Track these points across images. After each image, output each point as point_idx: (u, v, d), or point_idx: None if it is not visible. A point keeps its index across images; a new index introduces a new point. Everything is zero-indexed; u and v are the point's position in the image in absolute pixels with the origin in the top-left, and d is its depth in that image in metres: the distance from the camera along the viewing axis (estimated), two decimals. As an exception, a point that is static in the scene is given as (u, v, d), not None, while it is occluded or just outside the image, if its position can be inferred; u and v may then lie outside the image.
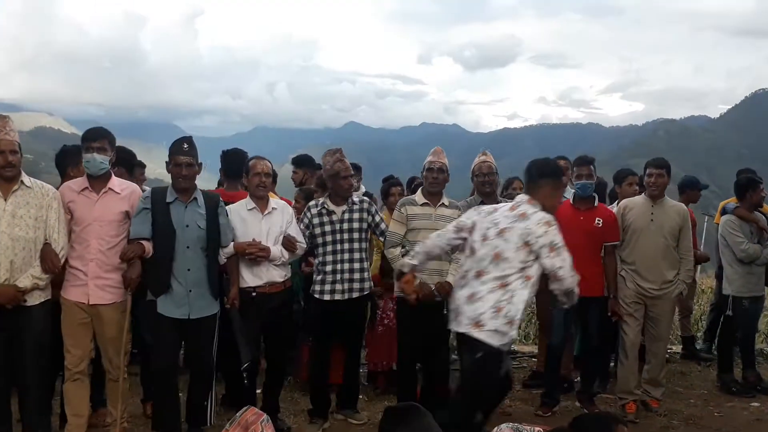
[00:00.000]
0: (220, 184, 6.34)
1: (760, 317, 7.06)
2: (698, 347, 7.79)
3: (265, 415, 4.34)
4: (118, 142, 5.60)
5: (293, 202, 6.12)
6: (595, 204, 5.74)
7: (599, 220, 5.65)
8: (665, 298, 5.70)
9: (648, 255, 5.64)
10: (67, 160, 5.08)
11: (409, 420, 3.01)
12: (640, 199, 5.85)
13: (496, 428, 3.92)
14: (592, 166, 5.73)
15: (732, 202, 7.03)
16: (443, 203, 5.35)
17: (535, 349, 7.47)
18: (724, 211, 6.55)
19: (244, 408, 4.44)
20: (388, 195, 6.48)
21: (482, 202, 5.43)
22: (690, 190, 7.47)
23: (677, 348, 7.92)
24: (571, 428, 2.71)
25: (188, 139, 4.74)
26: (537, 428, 3.88)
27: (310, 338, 5.72)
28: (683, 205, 6.00)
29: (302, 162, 7.15)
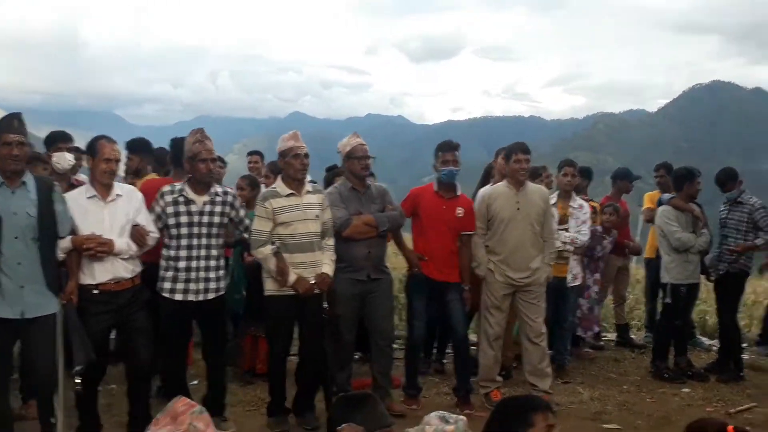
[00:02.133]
0: (165, 173, 6.30)
1: (693, 306, 7.26)
2: (644, 336, 7.99)
3: (197, 406, 4.24)
4: (56, 130, 5.68)
5: (236, 189, 5.88)
6: (457, 193, 5.62)
7: (461, 210, 5.56)
8: (534, 284, 5.66)
9: (515, 244, 5.58)
10: None
11: (362, 407, 3.02)
12: (502, 188, 5.71)
13: (425, 417, 3.97)
14: (457, 152, 5.58)
15: (657, 194, 7.39)
16: (308, 189, 5.01)
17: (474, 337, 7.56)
18: (659, 203, 6.74)
19: (175, 398, 4.35)
20: (332, 184, 6.42)
21: (352, 188, 5.33)
22: (621, 180, 7.72)
23: (612, 336, 8.12)
24: (493, 414, 2.69)
25: (18, 116, 4.17)
26: (461, 416, 3.92)
27: (251, 328, 5.66)
28: (543, 187, 6.02)
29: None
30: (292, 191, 4.94)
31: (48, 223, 4.19)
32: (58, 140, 5.42)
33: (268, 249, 4.85)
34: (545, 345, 5.83)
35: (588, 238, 6.47)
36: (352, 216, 5.23)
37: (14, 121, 4.13)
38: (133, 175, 5.84)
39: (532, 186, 5.78)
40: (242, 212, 5.03)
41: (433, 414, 3.92)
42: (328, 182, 6.43)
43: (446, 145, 5.61)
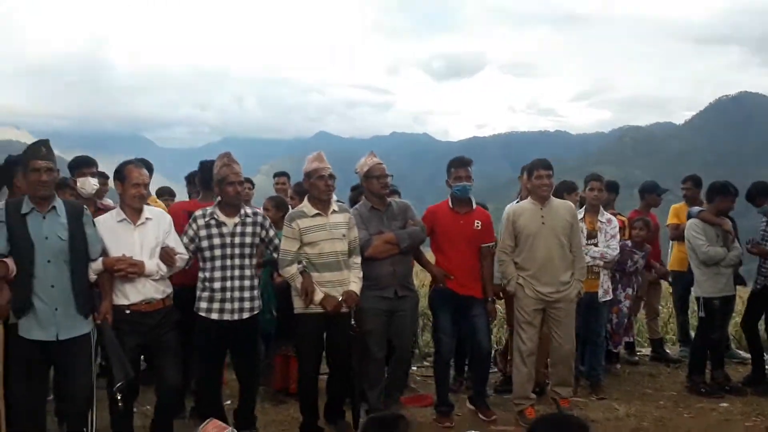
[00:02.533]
0: (190, 195, 6.36)
1: (729, 318, 7.15)
2: (679, 350, 7.88)
3: (229, 428, 4.26)
4: (88, 155, 5.75)
5: (263, 211, 5.95)
6: (473, 206, 5.69)
7: (478, 223, 5.62)
8: (564, 300, 5.62)
9: (543, 258, 5.57)
10: (15, 171, 4.88)
11: (394, 429, 3.00)
12: (528, 204, 5.73)
13: None
14: (469, 168, 5.64)
15: (683, 206, 7.38)
16: (334, 209, 5.10)
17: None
18: (689, 215, 6.66)
19: (206, 421, 4.37)
20: (357, 203, 6.44)
21: (372, 208, 5.40)
22: (650, 194, 7.63)
23: (646, 350, 8.00)
24: None
25: (45, 142, 4.29)
26: None
27: (281, 347, 5.71)
28: (570, 202, 5.97)
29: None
30: (318, 211, 5.03)
31: (79, 245, 4.28)
32: (81, 165, 5.48)
33: (294, 268, 4.95)
34: (572, 360, 5.83)
35: (617, 253, 6.39)
36: (372, 236, 5.28)
37: (42, 148, 4.23)
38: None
39: (557, 201, 5.77)
40: (272, 232, 5.11)
41: None
42: (353, 201, 6.48)
43: (459, 161, 5.67)
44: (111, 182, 5.53)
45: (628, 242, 6.91)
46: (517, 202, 6.35)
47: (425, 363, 7.49)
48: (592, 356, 6.52)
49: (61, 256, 4.20)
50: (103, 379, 4.56)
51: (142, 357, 4.92)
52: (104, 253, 4.47)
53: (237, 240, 4.89)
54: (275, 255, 5.12)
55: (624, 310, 6.97)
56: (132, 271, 4.45)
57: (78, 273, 4.27)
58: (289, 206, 6.25)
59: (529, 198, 5.78)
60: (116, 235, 4.54)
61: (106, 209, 5.28)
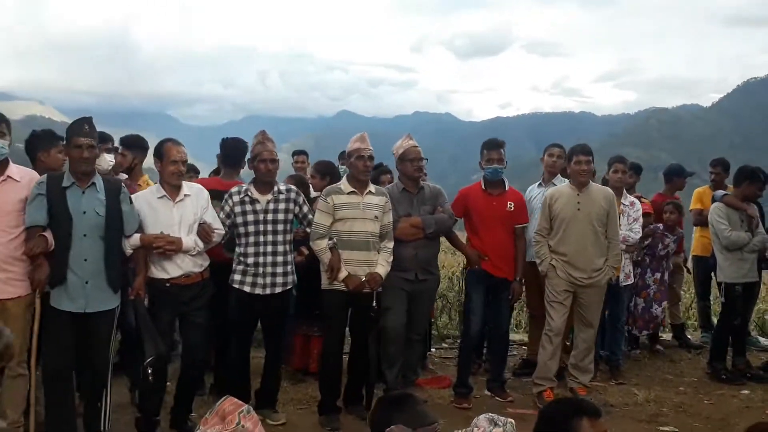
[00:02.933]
0: (215, 173, 6.38)
1: (753, 305, 7.08)
2: (700, 336, 7.82)
3: (245, 406, 4.28)
4: (110, 131, 5.75)
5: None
6: (506, 188, 5.71)
7: (511, 204, 5.65)
8: (595, 286, 5.66)
9: (577, 243, 5.59)
10: (38, 146, 4.98)
11: (404, 407, 3.00)
12: (566, 188, 5.77)
13: (474, 419, 3.93)
14: (502, 150, 5.68)
15: (706, 190, 7.36)
16: (370, 190, 5.16)
17: (525, 337, 7.49)
18: (713, 199, 6.57)
19: (223, 398, 4.40)
20: (378, 183, 6.39)
21: (404, 190, 5.46)
22: (676, 177, 7.54)
23: (667, 336, 7.94)
24: (540, 416, 2.67)
25: (88, 120, 4.39)
26: (510, 419, 3.90)
27: (302, 326, 5.81)
28: (609, 189, 5.92)
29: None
30: (354, 189, 5.11)
31: (115, 222, 4.40)
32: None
33: (324, 243, 5.03)
34: (593, 343, 5.83)
35: (640, 236, 6.33)
36: (400, 217, 5.32)
37: (84, 125, 4.33)
38: (126, 172, 5.77)
39: (595, 187, 5.77)
40: (306, 208, 5.20)
41: (482, 416, 3.88)
42: (373, 180, 6.42)
43: (492, 143, 5.72)
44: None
45: (660, 225, 6.85)
46: (539, 184, 6.31)
47: (443, 345, 7.50)
48: (612, 341, 6.49)
49: (97, 231, 4.32)
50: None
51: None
52: (141, 229, 4.61)
53: (270, 217, 4.98)
54: (308, 230, 5.20)
55: (651, 295, 6.92)
56: (170, 249, 4.59)
57: (111, 248, 4.39)
58: (309, 185, 6.26)
59: (568, 182, 5.82)
60: (155, 211, 4.67)
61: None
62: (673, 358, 7.14)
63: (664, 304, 7.11)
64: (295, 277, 5.19)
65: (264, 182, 5.03)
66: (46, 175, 4.41)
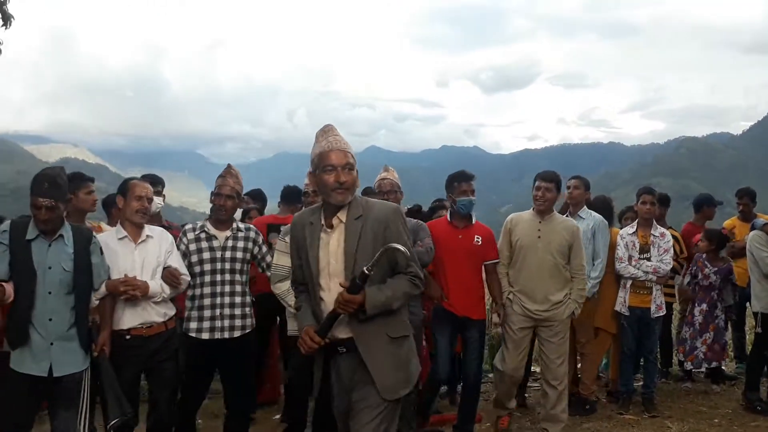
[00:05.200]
0: (244, 213, 6.58)
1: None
2: (735, 367, 7.68)
3: None
4: (142, 171, 5.89)
5: None
6: (473, 221, 5.44)
7: (478, 238, 5.36)
8: (554, 320, 5.38)
9: (534, 274, 5.37)
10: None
11: None
12: (527, 215, 5.56)
13: None
14: (472, 182, 5.41)
15: (734, 221, 7.30)
16: None
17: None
18: (753, 227, 6.49)
19: None
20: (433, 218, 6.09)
21: None
22: (706, 206, 7.49)
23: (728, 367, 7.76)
24: None
25: (50, 178, 3.95)
26: None
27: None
28: (573, 221, 5.73)
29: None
30: None
31: (84, 277, 4.06)
32: None
33: (286, 285, 4.69)
34: (563, 389, 5.50)
35: (670, 267, 6.27)
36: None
37: (44, 183, 3.95)
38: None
39: (559, 218, 5.57)
40: (264, 248, 4.95)
41: None
42: (429, 216, 6.33)
43: (463, 176, 5.44)
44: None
45: (702, 255, 6.78)
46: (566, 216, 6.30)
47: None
48: (645, 373, 6.40)
49: (64, 288, 3.97)
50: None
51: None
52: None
53: (228, 254, 4.70)
54: (268, 272, 4.91)
55: (696, 326, 6.77)
56: (134, 293, 4.23)
57: (80, 306, 4.04)
58: None
59: (531, 209, 5.60)
60: (116, 253, 4.33)
61: (171, 227, 5.36)
62: (707, 389, 7.02)
63: (720, 337, 6.83)
64: (254, 321, 4.85)
65: (217, 218, 4.78)
66: (9, 222, 4.07)
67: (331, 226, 3.31)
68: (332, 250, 3.28)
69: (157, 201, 5.46)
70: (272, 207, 6.94)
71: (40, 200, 3.90)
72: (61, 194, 4.00)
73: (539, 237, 5.39)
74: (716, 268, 6.72)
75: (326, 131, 3.36)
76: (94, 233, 4.26)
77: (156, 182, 5.59)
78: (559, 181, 5.47)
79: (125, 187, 4.44)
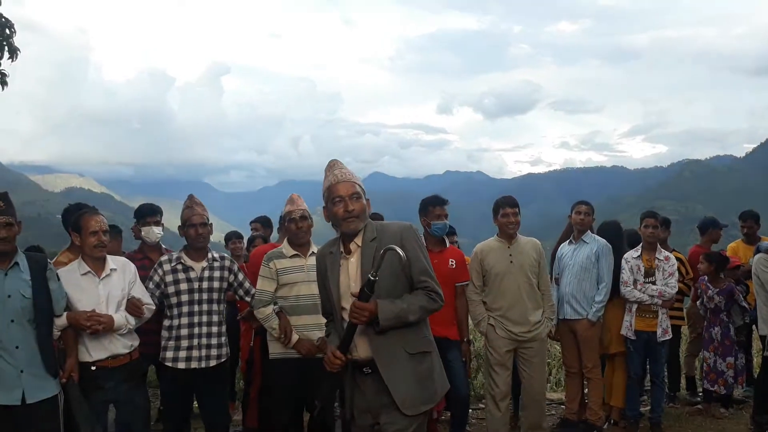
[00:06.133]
0: (249, 241, 6.65)
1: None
2: (743, 390, 7.62)
3: None
4: (147, 200, 5.94)
5: None
6: (447, 245, 5.63)
7: (453, 261, 5.54)
8: (536, 339, 5.55)
9: (513, 297, 5.51)
10: (68, 219, 4.91)
11: None
12: (494, 242, 5.71)
13: None
14: (445, 207, 5.57)
15: (739, 244, 7.30)
16: (313, 251, 4.89)
17: (563, 396, 7.39)
18: (758, 250, 6.47)
19: None
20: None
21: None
22: (712, 229, 7.48)
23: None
24: None
25: (3, 196, 4.00)
26: None
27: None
28: (535, 240, 5.83)
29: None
30: (296, 252, 4.93)
31: (44, 303, 4.04)
32: (146, 215, 5.61)
33: (269, 309, 4.85)
34: (543, 404, 5.69)
35: (675, 291, 6.25)
36: None
37: (0, 202, 3.97)
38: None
39: (523, 239, 5.70)
40: (241, 276, 4.98)
41: None
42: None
43: (437, 200, 5.59)
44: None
45: (705, 277, 6.78)
46: (569, 242, 6.30)
47: (480, 405, 7.42)
48: (652, 397, 6.36)
49: (25, 316, 3.96)
50: None
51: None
52: (68, 307, 4.26)
53: (205, 285, 4.75)
54: (247, 299, 5.00)
55: (718, 350, 6.70)
56: (100, 330, 4.22)
57: (44, 332, 4.04)
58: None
59: (495, 236, 5.74)
60: (81, 288, 4.31)
61: (169, 254, 5.38)
62: (715, 413, 6.96)
63: (739, 358, 6.78)
64: (229, 350, 4.92)
65: (197, 249, 4.80)
66: None
67: (350, 252, 3.42)
68: (351, 274, 3.39)
69: (156, 231, 5.56)
70: (276, 234, 6.99)
71: None
72: (14, 213, 4.01)
73: (511, 262, 5.55)
74: (718, 290, 6.71)
75: (332, 166, 3.49)
76: (48, 260, 4.25)
77: (154, 212, 5.67)
78: (518, 205, 5.66)
79: (78, 223, 4.38)
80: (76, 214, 4.49)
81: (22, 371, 3.92)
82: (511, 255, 5.57)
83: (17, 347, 3.92)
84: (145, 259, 5.38)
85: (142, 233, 5.57)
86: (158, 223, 5.61)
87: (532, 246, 5.67)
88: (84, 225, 4.33)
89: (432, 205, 5.55)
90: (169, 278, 4.72)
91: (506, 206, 5.60)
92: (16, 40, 7.39)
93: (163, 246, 5.70)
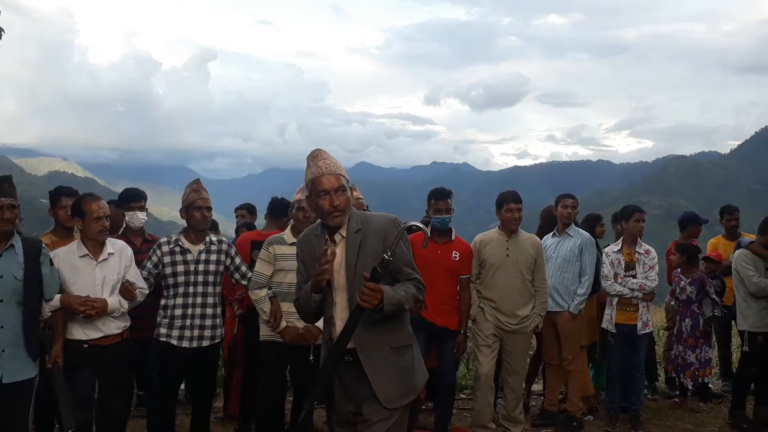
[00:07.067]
0: (238, 228, 6.62)
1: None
2: (721, 385, 7.70)
3: None
4: (131, 185, 5.91)
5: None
6: (452, 237, 5.65)
7: (456, 254, 5.58)
8: (521, 333, 5.71)
9: (504, 289, 5.65)
10: (55, 202, 5.08)
11: None
12: (495, 234, 5.83)
13: None
14: (449, 200, 5.60)
15: (719, 239, 7.37)
16: None
17: (541, 387, 7.44)
18: (738, 245, 6.52)
19: None
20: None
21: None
22: (691, 225, 7.50)
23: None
24: None
25: (8, 179, 4.14)
26: None
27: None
28: (537, 237, 5.98)
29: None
30: (296, 240, 4.85)
31: (34, 286, 4.11)
32: (130, 200, 5.64)
33: (264, 292, 4.95)
34: (521, 392, 5.95)
35: (656, 284, 6.30)
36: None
37: (4, 184, 4.08)
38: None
39: (524, 235, 5.83)
40: (238, 259, 5.07)
41: None
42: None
43: (439, 193, 5.63)
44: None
45: (678, 270, 6.85)
46: (554, 234, 6.34)
47: (461, 395, 7.47)
48: (631, 390, 6.41)
49: (15, 297, 4.02)
50: None
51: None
52: (62, 289, 4.34)
53: (201, 267, 4.86)
54: (243, 282, 5.08)
55: (687, 342, 6.76)
56: (91, 313, 4.32)
57: (30, 314, 4.10)
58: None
59: (497, 228, 5.85)
60: (77, 271, 4.42)
61: (153, 240, 5.38)
62: (694, 407, 7.03)
63: (705, 351, 6.81)
64: (223, 331, 5.04)
65: (197, 231, 4.90)
66: None
67: (334, 242, 3.38)
68: (335, 264, 3.32)
69: (140, 216, 5.58)
70: (261, 222, 6.97)
71: (2, 200, 4.02)
72: (16, 195, 4.12)
73: (507, 255, 5.67)
74: (690, 279, 6.76)
75: (315, 156, 3.38)
76: (44, 244, 4.29)
77: (139, 197, 5.70)
78: (521, 201, 5.75)
79: (81, 208, 4.46)
80: (78, 198, 4.60)
81: (3, 350, 3.97)
82: (508, 249, 5.69)
83: (2, 327, 3.98)
84: (129, 243, 5.37)
85: (126, 218, 5.57)
86: (142, 209, 5.63)
87: (531, 243, 5.77)
88: (87, 210, 4.42)
89: (435, 199, 5.63)
90: (167, 259, 4.83)
91: (510, 201, 5.71)
92: (1, 22, 7.33)
93: (146, 231, 5.70)
